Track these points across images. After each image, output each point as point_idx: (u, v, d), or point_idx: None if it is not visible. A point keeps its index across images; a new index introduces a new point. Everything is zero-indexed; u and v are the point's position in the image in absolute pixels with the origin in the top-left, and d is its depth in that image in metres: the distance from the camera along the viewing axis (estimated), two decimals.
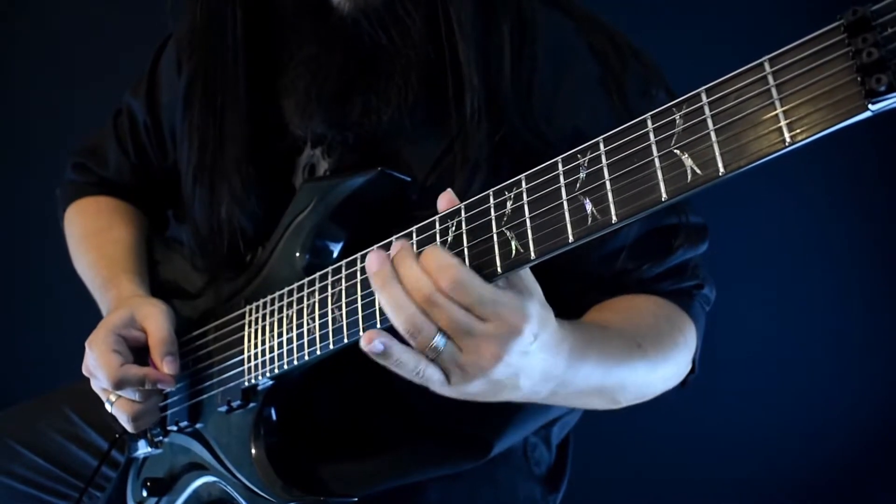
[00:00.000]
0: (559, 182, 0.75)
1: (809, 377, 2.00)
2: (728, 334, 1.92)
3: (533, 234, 0.76)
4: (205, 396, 1.14)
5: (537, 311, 0.78)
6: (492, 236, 0.79)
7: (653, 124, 0.70)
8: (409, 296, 0.77)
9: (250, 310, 1.09)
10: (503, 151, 1.03)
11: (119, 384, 1.08)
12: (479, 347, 0.77)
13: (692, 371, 1.11)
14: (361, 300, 0.92)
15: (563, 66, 1.04)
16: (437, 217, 0.85)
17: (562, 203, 0.75)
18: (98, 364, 1.09)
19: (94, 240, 1.32)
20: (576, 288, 1.07)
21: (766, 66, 0.64)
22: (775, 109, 0.63)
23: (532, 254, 0.76)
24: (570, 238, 0.73)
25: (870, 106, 0.59)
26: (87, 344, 1.12)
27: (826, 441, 2.00)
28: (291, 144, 1.17)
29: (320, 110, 1.07)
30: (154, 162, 1.39)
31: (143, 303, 1.15)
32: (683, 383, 1.10)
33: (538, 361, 0.81)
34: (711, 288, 1.15)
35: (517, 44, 1.03)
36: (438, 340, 0.77)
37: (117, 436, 1.27)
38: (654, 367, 0.99)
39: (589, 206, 0.73)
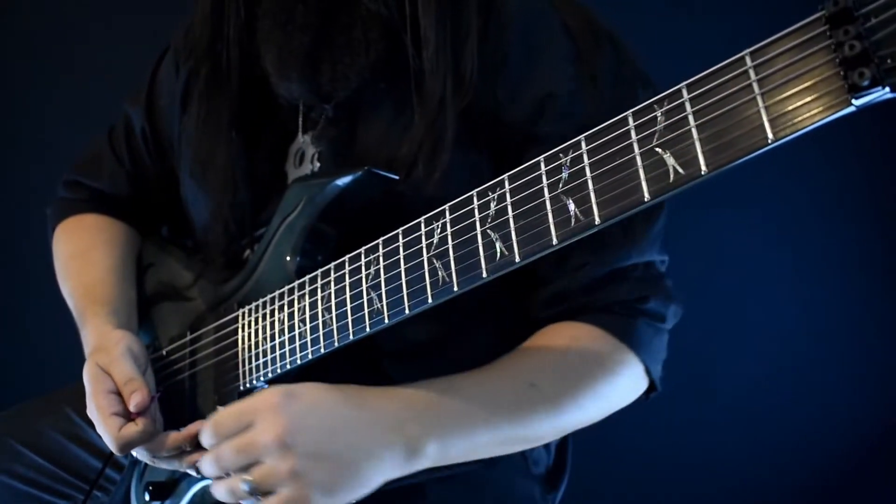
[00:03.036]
0: (542, 182, 0.74)
1: (810, 377, 1.98)
2: (728, 334, 1.91)
3: (517, 236, 0.75)
4: (202, 400, 1.14)
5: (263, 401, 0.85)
6: (476, 237, 0.78)
7: (634, 122, 0.68)
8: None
9: (243, 313, 1.08)
10: (474, 126, 1.01)
11: (123, 448, 1.06)
12: (269, 470, 0.83)
13: (654, 389, 1.07)
14: (350, 303, 0.91)
15: (535, 46, 1.02)
16: (422, 219, 0.84)
17: (545, 204, 0.73)
18: (103, 432, 1.07)
19: (74, 264, 1.32)
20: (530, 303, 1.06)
21: (748, 60, 0.62)
22: (757, 105, 0.61)
23: (517, 256, 0.75)
24: (554, 240, 0.72)
25: (853, 101, 0.57)
26: (87, 412, 1.10)
27: (827, 441, 1.98)
28: (283, 132, 1.18)
29: (296, 70, 1.07)
30: (150, 166, 1.39)
31: (103, 348, 1.12)
32: (646, 396, 1.08)
33: (331, 419, 0.86)
34: (664, 301, 1.05)
35: (483, 21, 1.02)
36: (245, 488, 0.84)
37: None
38: (556, 406, 0.96)
39: (572, 207, 0.71)
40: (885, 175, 1.92)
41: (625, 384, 1.03)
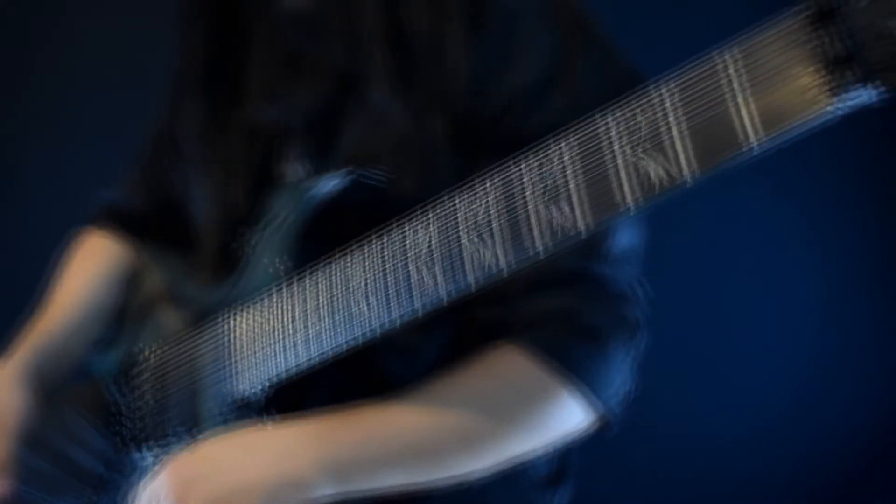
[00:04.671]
0: (524, 188, 0.72)
1: (810, 377, 1.97)
2: (728, 335, 1.90)
3: (503, 245, 0.73)
4: (201, 407, 1.13)
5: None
6: (462, 246, 0.76)
7: (615, 124, 0.66)
8: None
9: (234, 319, 1.07)
10: (456, 126, 0.99)
11: None
12: None
13: (607, 421, 0.97)
14: (340, 311, 0.90)
15: (514, 40, 0.98)
16: (406, 224, 0.83)
17: (528, 210, 0.71)
18: None
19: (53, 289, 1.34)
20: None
21: (729, 59, 0.60)
22: (739, 108, 0.59)
23: (503, 265, 0.73)
24: (539, 248, 0.70)
25: (838, 104, 0.55)
26: None
27: (827, 442, 1.98)
28: (273, 132, 1.17)
29: (274, 95, 1.11)
30: (168, 169, 1.38)
31: (6, 408, 1.17)
32: (600, 426, 0.99)
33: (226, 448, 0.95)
34: (607, 319, 0.94)
35: (470, 18, 0.99)
36: None
37: (123, 441, 1.28)
38: (467, 435, 0.92)
39: (556, 215, 0.70)
40: (887, 170, 1.90)
41: (551, 411, 0.93)
